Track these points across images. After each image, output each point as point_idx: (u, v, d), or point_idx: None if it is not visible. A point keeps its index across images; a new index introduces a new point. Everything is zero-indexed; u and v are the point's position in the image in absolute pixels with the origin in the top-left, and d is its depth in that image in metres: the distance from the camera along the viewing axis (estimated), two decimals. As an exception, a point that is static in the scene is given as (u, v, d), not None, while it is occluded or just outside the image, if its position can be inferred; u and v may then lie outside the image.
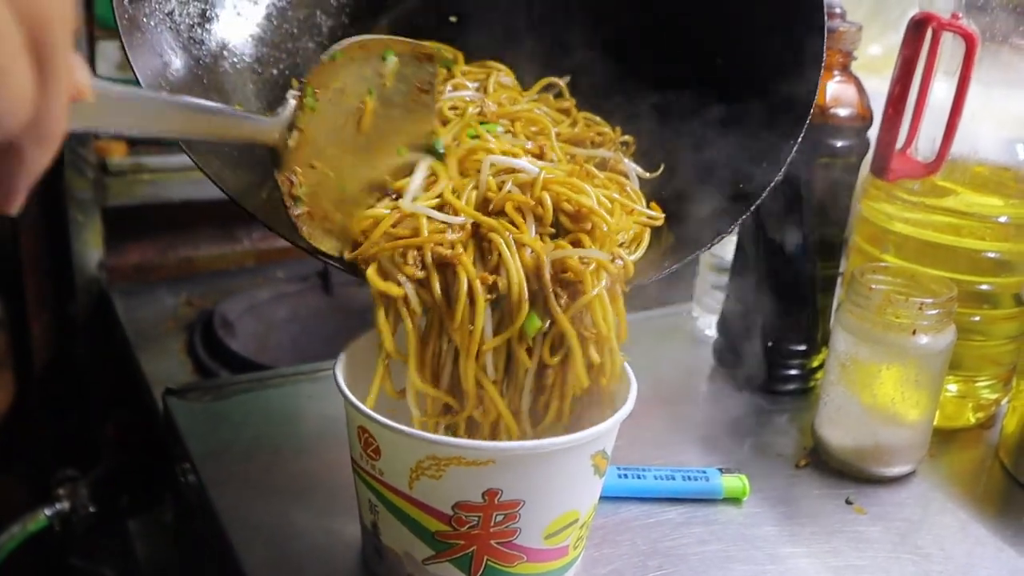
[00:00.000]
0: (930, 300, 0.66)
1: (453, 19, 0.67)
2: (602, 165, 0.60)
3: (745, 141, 0.58)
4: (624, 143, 0.63)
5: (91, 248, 1.31)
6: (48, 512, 1.11)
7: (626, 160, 0.60)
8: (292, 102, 0.50)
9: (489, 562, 0.52)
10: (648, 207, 0.58)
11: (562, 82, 0.65)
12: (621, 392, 0.54)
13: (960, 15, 0.73)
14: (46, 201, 1.28)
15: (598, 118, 0.64)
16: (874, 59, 1.05)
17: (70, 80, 0.31)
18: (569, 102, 0.64)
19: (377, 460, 0.51)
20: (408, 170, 0.55)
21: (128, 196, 1.29)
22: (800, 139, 0.57)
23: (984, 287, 0.76)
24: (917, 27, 0.73)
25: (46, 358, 1.43)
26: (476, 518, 0.50)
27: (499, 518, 0.50)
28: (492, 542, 0.51)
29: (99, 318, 1.34)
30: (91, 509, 1.12)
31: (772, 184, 0.56)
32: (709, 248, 0.57)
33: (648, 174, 0.61)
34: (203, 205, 1.33)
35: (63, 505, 1.13)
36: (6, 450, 1.40)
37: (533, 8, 0.67)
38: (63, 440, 1.44)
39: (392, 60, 0.55)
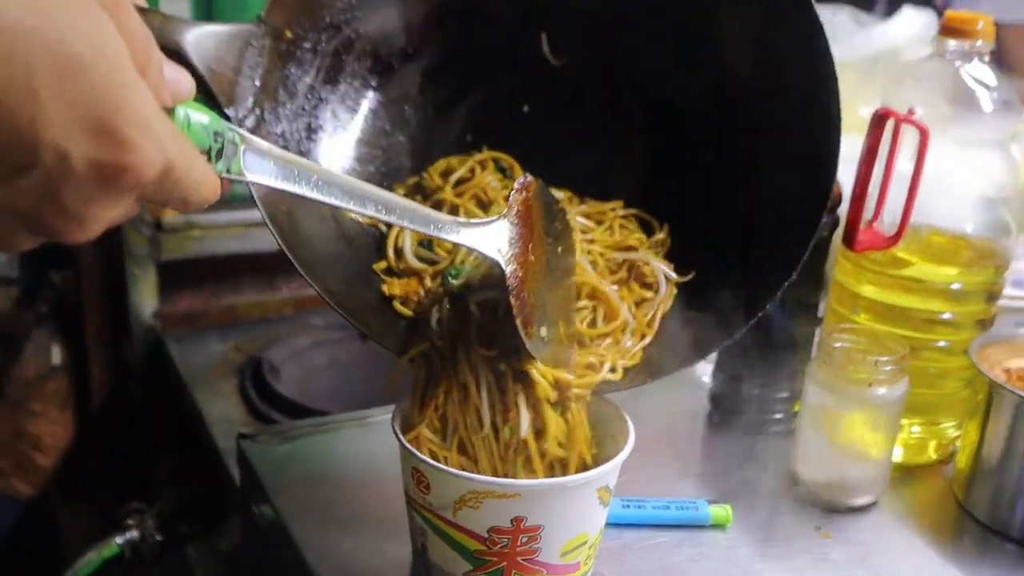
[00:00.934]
0: (885, 357, 0.81)
1: (526, 108, 0.81)
2: (631, 266, 0.74)
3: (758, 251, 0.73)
4: (659, 242, 0.77)
5: (146, 298, 1.47)
6: (119, 540, 1.27)
7: (655, 262, 0.74)
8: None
9: (516, 575, 0.66)
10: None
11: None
12: (622, 437, 0.69)
13: (915, 111, 0.87)
14: (106, 256, 1.45)
15: (637, 219, 0.78)
16: (863, 120, 1.17)
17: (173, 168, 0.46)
18: (608, 205, 0.78)
19: (427, 494, 0.66)
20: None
21: (180, 251, 1.45)
22: (808, 251, 0.71)
23: (941, 343, 0.91)
24: (879, 120, 0.88)
25: (103, 400, 1.59)
26: (506, 539, 0.65)
27: (524, 539, 0.65)
28: (519, 559, 0.66)
29: (153, 362, 1.50)
30: (158, 538, 1.27)
31: (783, 287, 0.70)
32: (727, 343, 0.71)
33: (677, 276, 0.75)
34: (246, 257, 1.49)
35: (132, 534, 1.28)
36: (70, 483, 1.56)
37: (592, 119, 0.81)
38: (120, 474, 1.59)
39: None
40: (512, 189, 0.63)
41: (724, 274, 0.73)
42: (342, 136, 0.75)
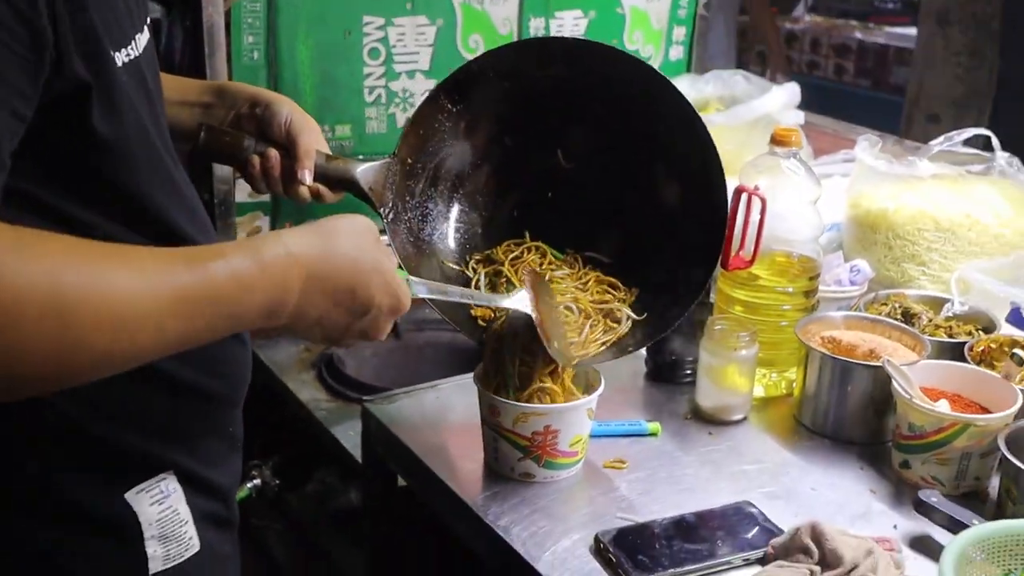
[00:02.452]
0: (744, 334, 1.46)
1: (549, 194, 1.46)
2: (607, 312, 1.38)
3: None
4: (627, 296, 1.41)
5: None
6: (248, 485, 1.88)
7: (623, 308, 1.38)
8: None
9: (546, 458, 1.30)
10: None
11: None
12: (597, 384, 1.33)
13: (759, 186, 1.52)
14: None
15: (612, 283, 1.42)
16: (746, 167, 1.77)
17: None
18: (592, 275, 1.42)
19: (497, 416, 1.29)
20: None
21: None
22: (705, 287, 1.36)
23: (783, 323, 1.56)
24: (737, 193, 1.53)
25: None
26: (540, 438, 1.28)
27: (550, 438, 1.28)
28: (548, 448, 1.29)
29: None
30: (277, 483, 1.89)
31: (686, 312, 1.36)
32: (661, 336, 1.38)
33: (636, 316, 1.39)
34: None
35: (256, 482, 1.90)
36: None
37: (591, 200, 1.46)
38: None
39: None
40: (526, 273, 1.29)
41: (662, 296, 1.39)
42: (442, 217, 1.40)
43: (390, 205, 1.34)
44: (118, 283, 0.78)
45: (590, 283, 1.40)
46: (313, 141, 1.27)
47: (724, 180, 1.38)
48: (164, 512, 0.99)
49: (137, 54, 0.93)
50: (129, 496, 0.98)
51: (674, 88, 1.39)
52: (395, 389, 1.58)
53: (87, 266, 0.77)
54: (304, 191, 1.28)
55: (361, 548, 1.72)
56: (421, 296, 1.13)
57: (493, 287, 1.37)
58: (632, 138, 1.43)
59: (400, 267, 1.17)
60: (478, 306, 1.29)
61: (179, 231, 0.98)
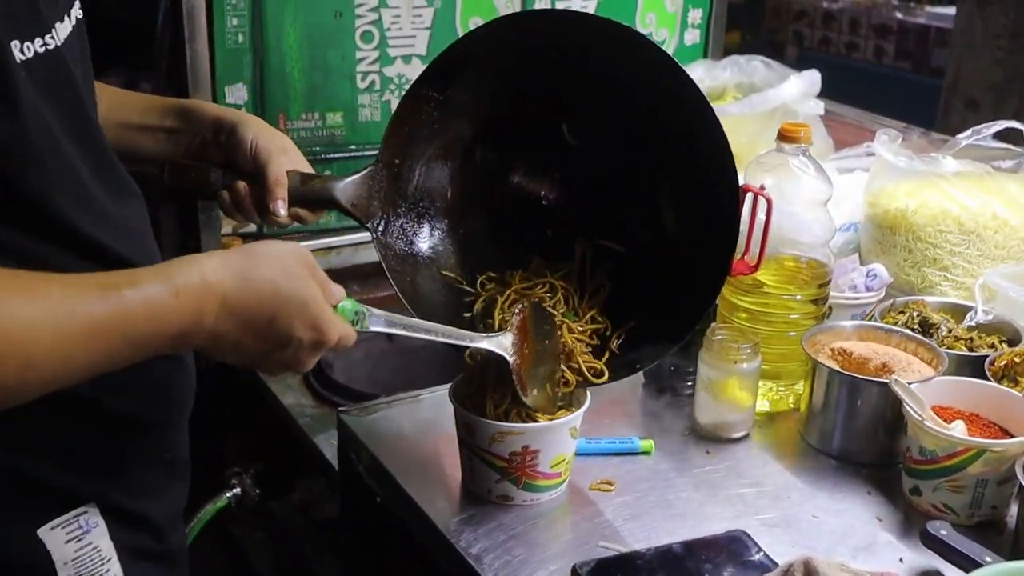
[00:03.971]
0: (745, 345, 1.39)
1: (549, 233, 1.40)
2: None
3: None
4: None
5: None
6: (227, 495, 1.84)
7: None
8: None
9: (525, 480, 1.25)
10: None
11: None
12: (582, 399, 1.27)
13: (765, 186, 1.45)
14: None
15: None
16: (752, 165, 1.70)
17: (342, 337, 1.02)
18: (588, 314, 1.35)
19: (473, 436, 1.24)
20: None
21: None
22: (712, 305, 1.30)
23: (791, 333, 1.49)
24: (741, 192, 1.46)
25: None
26: (519, 459, 1.23)
27: (529, 458, 1.23)
28: (527, 469, 1.24)
29: (225, 365, 2.06)
30: (257, 492, 1.85)
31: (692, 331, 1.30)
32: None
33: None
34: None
35: (236, 491, 1.85)
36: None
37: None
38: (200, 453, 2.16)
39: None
40: (514, 313, 1.23)
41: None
42: (438, 216, 1.36)
43: (379, 216, 1.29)
44: (20, 314, 0.76)
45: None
46: (284, 164, 1.22)
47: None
48: (82, 549, 0.94)
49: (57, 44, 0.88)
50: (43, 532, 0.93)
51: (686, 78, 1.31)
52: (385, 396, 1.53)
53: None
54: (282, 219, 1.23)
55: (342, 560, 1.68)
56: (376, 329, 1.08)
57: (489, 311, 1.32)
58: (635, 120, 1.37)
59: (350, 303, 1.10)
60: (449, 344, 1.21)
61: (94, 243, 0.94)
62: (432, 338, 1.16)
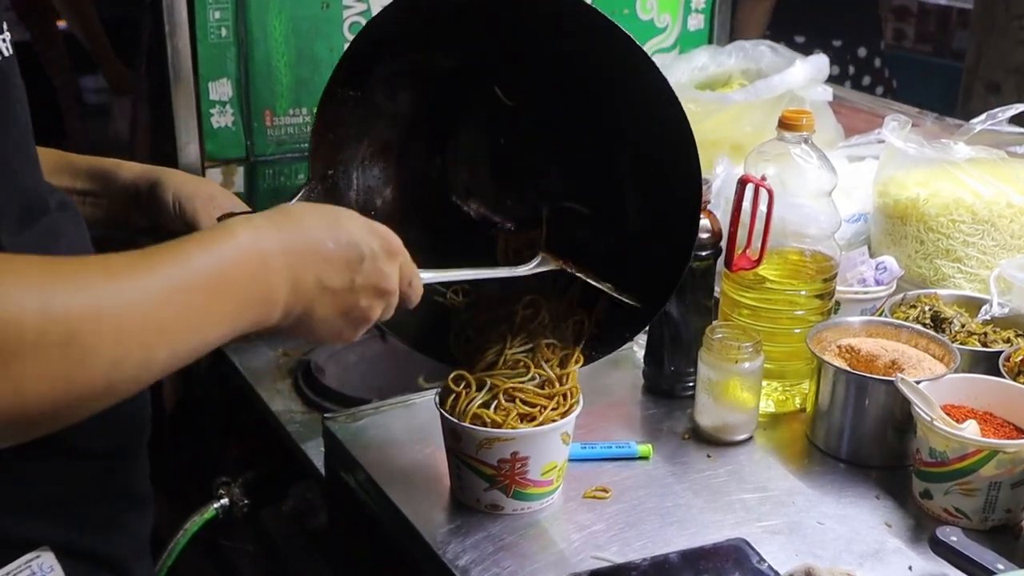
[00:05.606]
0: (746, 344, 1.37)
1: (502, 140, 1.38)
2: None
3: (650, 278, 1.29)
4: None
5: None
6: (215, 505, 1.82)
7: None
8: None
9: (515, 488, 1.22)
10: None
11: None
12: (577, 406, 1.25)
13: (766, 176, 1.43)
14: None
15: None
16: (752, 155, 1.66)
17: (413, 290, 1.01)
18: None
19: (460, 443, 1.22)
20: None
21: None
22: (680, 278, 1.26)
23: (796, 330, 1.47)
24: (741, 184, 1.43)
25: (174, 401, 2.14)
26: (508, 466, 1.21)
27: (519, 466, 1.21)
28: (516, 477, 1.22)
29: (216, 370, 2.05)
30: (245, 502, 1.83)
31: (664, 304, 1.27)
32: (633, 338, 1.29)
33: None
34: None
35: (224, 501, 1.84)
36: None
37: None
38: (190, 462, 2.15)
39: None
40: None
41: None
42: (388, 214, 1.33)
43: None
44: (109, 289, 0.76)
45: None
46: (214, 212, 1.20)
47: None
48: None
49: None
50: None
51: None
52: (378, 401, 1.52)
53: (69, 278, 0.75)
54: None
55: (333, 570, 1.67)
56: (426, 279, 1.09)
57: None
58: (572, 76, 1.30)
59: None
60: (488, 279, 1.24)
61: None
62: (474, 277, 1.22)
